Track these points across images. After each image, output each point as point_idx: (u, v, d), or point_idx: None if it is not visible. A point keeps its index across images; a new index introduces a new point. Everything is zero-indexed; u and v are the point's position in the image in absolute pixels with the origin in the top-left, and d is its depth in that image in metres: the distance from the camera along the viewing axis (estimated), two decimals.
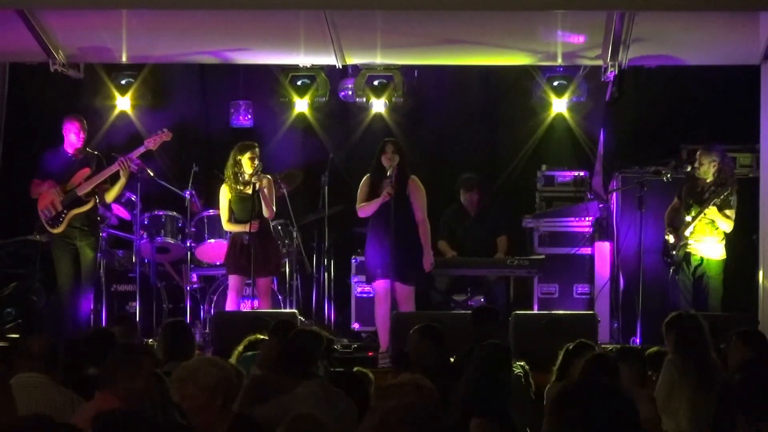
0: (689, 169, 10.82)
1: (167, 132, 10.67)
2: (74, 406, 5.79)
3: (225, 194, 10.50)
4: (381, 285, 10.12)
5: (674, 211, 10.81)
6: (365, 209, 10.17)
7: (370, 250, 10.29)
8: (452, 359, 7.56)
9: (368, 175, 10.27)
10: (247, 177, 10.35)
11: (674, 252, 10.58)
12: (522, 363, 7.45)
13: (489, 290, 11.28)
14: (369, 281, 10.49)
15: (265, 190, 10.37)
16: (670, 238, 10.60)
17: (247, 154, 10.36)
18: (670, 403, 6.85)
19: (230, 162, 10.43)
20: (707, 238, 10.53)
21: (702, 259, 10.55)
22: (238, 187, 10.41)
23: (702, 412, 6.67)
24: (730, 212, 10.42)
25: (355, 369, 7.00)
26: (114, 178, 10.56)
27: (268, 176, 10.53)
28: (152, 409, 5.47)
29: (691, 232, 10.53)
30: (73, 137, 10.53)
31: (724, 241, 10.54)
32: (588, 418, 2.99)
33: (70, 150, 10.58)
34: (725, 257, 10.56)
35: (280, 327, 7.44)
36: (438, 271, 10.91)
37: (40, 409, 5.40)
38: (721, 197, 10.37)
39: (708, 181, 10.54)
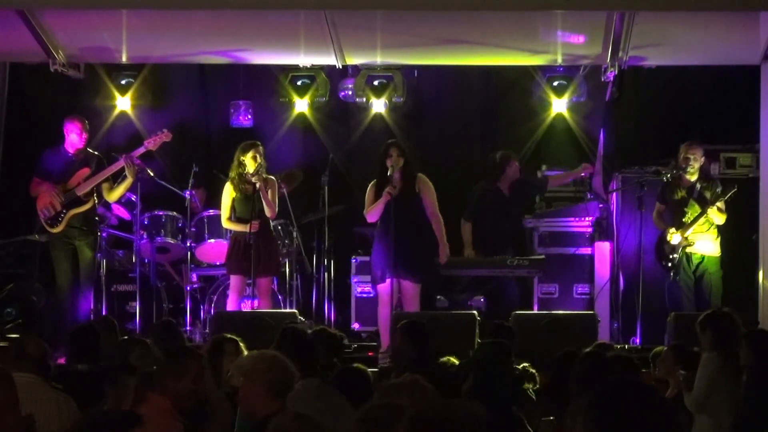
0: (674, 171, 10.80)
1: (167, 132, 10.68)
2: (61, 407, 5.80)
3: (228, 192, 10.52)
4: (385, 286, 10.15)
5: (661, 215, 10.86)
6: (371, 213, 10.23)
7: (375, 251, 10.35)
8: (453, 358, 7.56)
9: (374, 180, 10.33)
10: (247, 177, 10.37)
11: (674, 255, 10.62)
12: (526, 365, 7.43)
13: (502, 289, 11.22)
14: (372, 282, 10.53)
15: (269, 191, 10.39)
16: (675, 238, 10.62)
17: (250, 154, 10.39)
18: (710, 400, 6.86)
19: (234, 162, 10.46)
20: (704, 236, 10.62)
21: (703, 257, 10.62)
22: (242, 186, 10.43)
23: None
24: (721, 205, 10.52)
25: (354, 365, 7.01)
26: (116, 177, 10.57)
27: (272, 177, 10.55)
28: (202, 408, 5.50)
29: (689, 233, 10.59)
30: (74, 137, 10.54)
31: (719, 238, 10.63)
32: (625, 417, 2.99)
33: (70, 150, 10.58)
34: (721, 253, 10.64)
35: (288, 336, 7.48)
36: (444, 272, 10.91)
37: (28, 408, 5.41)
38: (728, 195, 10.46)
39: (693, 179, 10.62)
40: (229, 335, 7.60)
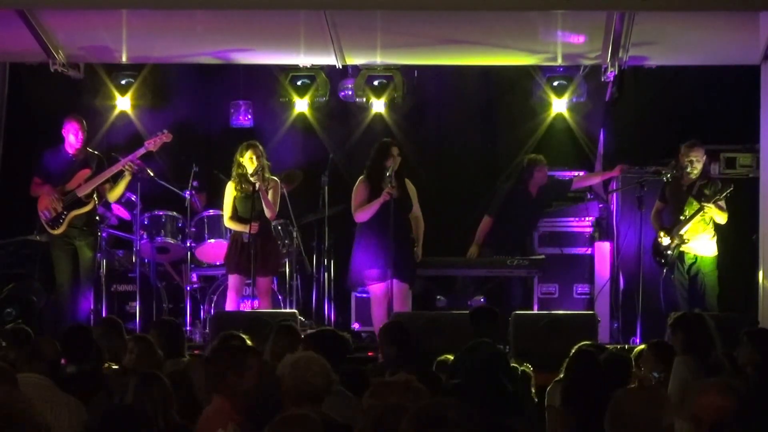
0: (674, 171, 10.81)
1: (167, 133, 10.68)
2: (71, 410, 5.80)
3: (230, 191, 10.53)
4: (379, 287, 10.13)
5: (659, 213, 10.86)
6: (365, 212, 10.17)
7: (363, 253, 10.25)
8: (452, 357, 7.56)
9: (362, 177, 10.28)
10: (247, 177, 10.38)
11: (668, 252, 10.63)
12: (525, 366, 7.43)
13: (504, 289, 11.22)
14: (358, 285, 10.49)
15: (270, 192, 10.40)
16: (664, 240, 10.64)
17: (247, 154, 10.39)
18: (683, 405, 6.80)
19: (235, 163, 10.47)
20: (700, 235, 10.62)
21: (696, 258, 10.62)
22: (242, 185, 10.45)
23: None
24: (723, 204, 10.52)
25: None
26: (116, 177, 10.57)
27: (275, 178, 10.56)
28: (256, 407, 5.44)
29: (685, 231, 10.60)
30: (72, 138, 10.55)
31: (715, 238, 10.63)
32: None
33: (70, 150, 10.59)
34: (717, 254, 10.64)
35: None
36: (441, 272, 10.92)
37: (39, 410, 5.41)
38: (724, 193, 10.46)
39: (693, 177, 10.62)
40: (236, 332, 7.63)
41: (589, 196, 11.89)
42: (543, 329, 9.47)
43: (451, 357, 7.46)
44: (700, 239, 10.62)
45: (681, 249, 10.63)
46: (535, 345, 8.98)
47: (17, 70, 11.90)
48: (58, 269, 10.62)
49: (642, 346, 7.90)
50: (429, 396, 4.70)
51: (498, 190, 11.51)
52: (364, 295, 11.13)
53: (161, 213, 11.39)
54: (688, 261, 10.64)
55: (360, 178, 10.32)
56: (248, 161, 10.38)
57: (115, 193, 10.66)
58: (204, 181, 11.56)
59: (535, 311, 10.68)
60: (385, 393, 4.64)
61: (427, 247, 10.65)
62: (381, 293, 10.12)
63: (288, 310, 10.50)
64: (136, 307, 10.96)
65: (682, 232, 10.61)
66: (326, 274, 11.50)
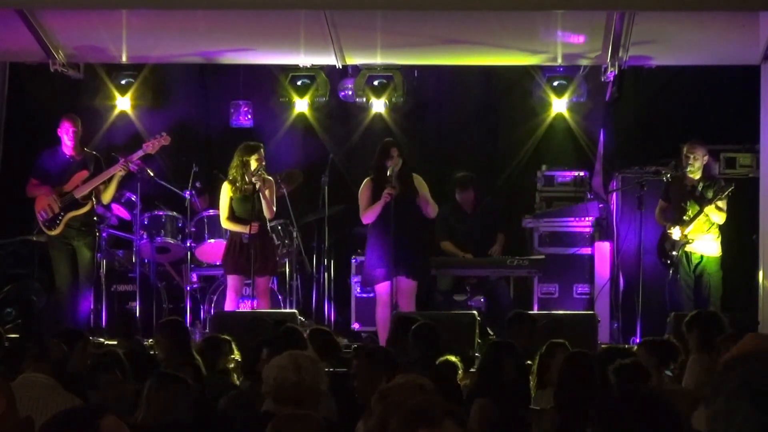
0: (678, 171, 10.82)
1: (166, 136, 10.67)
2: None
3: (226, 192, 10.51)
4: (384, 287, 10.12)
5: (663, 211, 10.87)
6: (369, 214, 10.14)
7: (372, 252, 10.26)
8: (453, 358, 7.57)
9: (368, 179, 10.26)
10: (248, 177, 10.36)
11: (674, 253, 10.63)
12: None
13: (491, 290, 11.27)
14: (369, 284, 10.48)
15: (267, 191, 10.39)
16: (675, 234, 10.63)
17: (255, 156, 10.36)
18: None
19: (235, 162, 10.44)
20: (704, 236, 10.62)
21: (702, 257, 10.63)
22: (242, 186, 10.43)
23: None
24: (722, 204, 10.53)
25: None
26: (112, 178, 10.57)
27: (270, 177, 10.55)
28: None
29: (689, 232, 10.61)
30: (65, 138, 10.56)
31: (719, 239, 10.63)
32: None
33: (67, 151, 10.59)
34: (721, 254, 10.64)
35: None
36: (439, 272, 10.93)
37: (42, 408, 5.42)
38: (725, 193, 10.46)
39: (696, 177, 10.63)
40: (222, 335, 7.64)
41: (589, 196, 11.89)
42: (543, 329, 9.45)
43: (453, 358, 7.47)
44: (703, 239, 10.62)
45: (686, 249, 10.64)
46: (535, 345, 8.95)
47: (17, 70, 11.90)
48: (57, 270, 10.62)
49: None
50: (441, 396, 4.71)
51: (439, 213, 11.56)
52: (365, 295, 11.14)
53: (161, 213, 11.39)
54: (694, 260, 10.66)
55: (366, 179, 10.31)
56: (255, 162, 10.33)
57: (107, 195, 10.65)
58: (205, 182, 11.56)
59: (535, 311, 10.67)
60: (395, 394, 4.62)
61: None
62: (386, 293, 10.10)
63: (288, 310, 10.50)
64: (136, 307, 10.97)
65: (686, 233, 10.62)
66: (326, 274, 11.50)
